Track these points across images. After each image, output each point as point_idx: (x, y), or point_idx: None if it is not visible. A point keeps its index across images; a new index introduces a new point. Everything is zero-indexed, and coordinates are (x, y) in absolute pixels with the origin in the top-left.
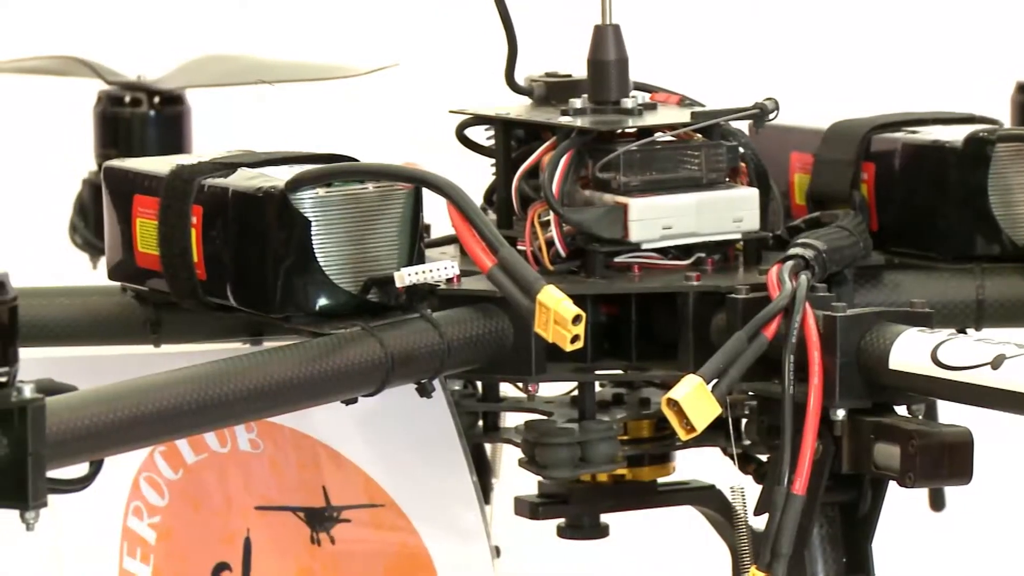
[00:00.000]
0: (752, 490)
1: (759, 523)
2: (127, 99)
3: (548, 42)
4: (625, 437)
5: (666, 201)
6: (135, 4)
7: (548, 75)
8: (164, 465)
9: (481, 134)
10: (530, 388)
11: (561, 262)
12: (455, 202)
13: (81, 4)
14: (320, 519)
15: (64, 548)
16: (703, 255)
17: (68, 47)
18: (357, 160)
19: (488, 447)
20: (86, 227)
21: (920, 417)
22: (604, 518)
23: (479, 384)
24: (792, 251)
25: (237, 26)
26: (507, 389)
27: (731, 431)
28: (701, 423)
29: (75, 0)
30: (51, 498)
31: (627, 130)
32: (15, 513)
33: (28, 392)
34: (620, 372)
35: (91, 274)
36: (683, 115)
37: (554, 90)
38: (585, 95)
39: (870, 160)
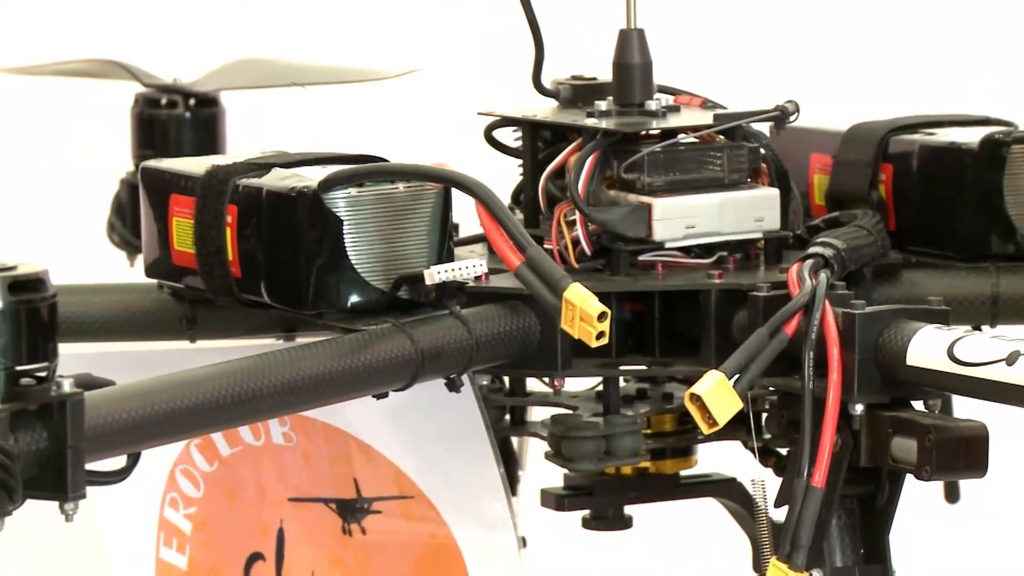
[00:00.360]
0: (772, 483)
1: (779, 515)
2: (163, 101)
3: (574, 46)
4: (648, 431)
5: (689, 201)
6: (171, 8)
7: (574, 78)
8: (200, 457)
9: (509, 135)
10: (556, 383)
11: (586, 260)
12: (484, 202)
13: (119, 9)
14: (351, 510)
15: (104, 538)
16: (725, 254)
17: (106, 51)
18: (387, 161)
19: (515, 440)
20: (123, 226)
21: (936, 412)
22: (628, 510)
23: (506, 379)
24: (812, 250)
25: (269, 30)
26: (533, 384)
27: (752, 425)
28: (723, 417)
29: (113, 5)
30: (90, 490)
31: (651, 132)
32: (55, 504)
33: (67, 387)
34: (644, 368)
35: (128, 272)
36: (706, 117)
37: (580, 93)
38: (610, 97)
39: (888, 161)
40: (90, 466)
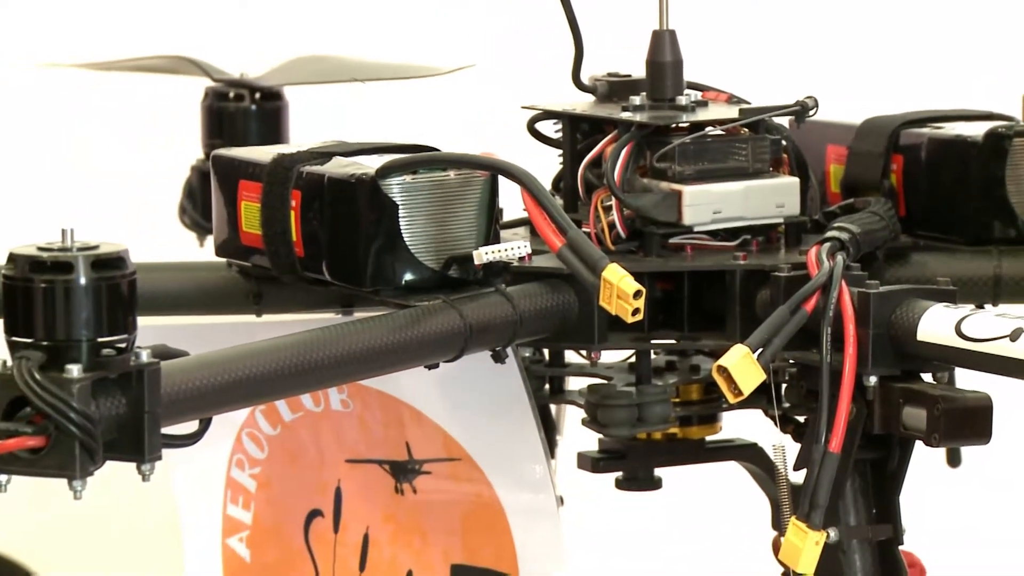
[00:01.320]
0: (791, 448)
1: (798, 478)
2: (231, 95)
3: (611, 45)
4: (677, 400)
5: (716, 188)
6: (239, 8)
7: (610, 75)
8: (264, 422)
9: (550, 128)
10: (593, 355)
11: (621, 243)
12: (528, 188)
13: (191, 8)
14: (404, 471)
15: (177, 496)
16: (749, 237)
17: (179, 47)
18: (439, 150)
19: (554, 408)
20: (194, 209)
21: (944, 383)
22: (657, 472)
23: (547, 351)
24: (829, 234)
25: (330, 29)
26: (571, 356)
27: (773, 395)
28: (748, 388)
29: (185, 4)
30: (164, 452)
31: (681, 125)
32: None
33: (145, 357)
34: (673, 341)
35: (198, 251)
36: (732, 112)
37: (616, 89)
38: (643, 93)
39: (898, 152)
40: (165, 430)
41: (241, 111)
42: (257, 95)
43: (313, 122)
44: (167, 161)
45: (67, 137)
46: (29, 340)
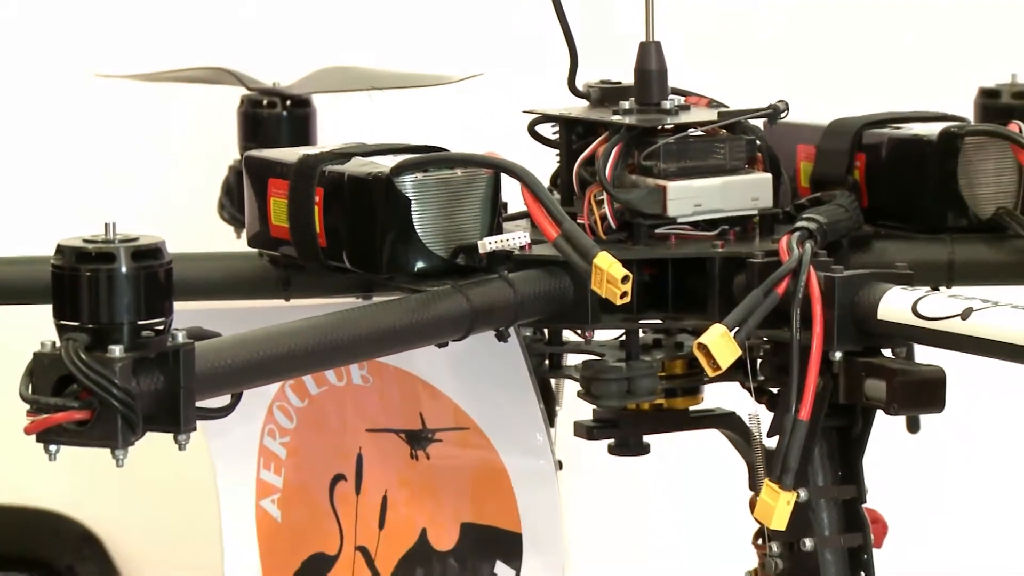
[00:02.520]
0: (765, 417)
1: (771, 443)
2: (264, 102)
3: (603, 55)
4: (663, 374)
5: (697, 184)
6: (272, 23)
7: (602, 82)
8: (293, 396)
9: (548, 130)
10: (586, 334)
11: (612, 233)
12: (527, 184)
13: (228, 23)
14: (418, 439)
15: (214, 463)
16: (726, 227)
17: (218, 59)
18: (448, 151)
19: (553, 381)
20: (231, 204)
21: (902, 358)
22: (646, 439)
23: (545, 331)
24: (799, 224)
25: (353, 42)
26: (568, 335)
27: (749, 369)
28: (725, 363)
29: (223, 20)
30: (202, 423)
31: (666, 127)
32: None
33: (181, 338)
34: (659, 321)
35: (235, 242)
36: (711, 114)
37: (607, 94)
38: (632, 98)
39: (861, 151)
40: (199, 403)
41: (273, 117)
42: (288, 102)
43: (337, 125)
44: (209, 161)
45: (119, 140)
46: (75, 323)
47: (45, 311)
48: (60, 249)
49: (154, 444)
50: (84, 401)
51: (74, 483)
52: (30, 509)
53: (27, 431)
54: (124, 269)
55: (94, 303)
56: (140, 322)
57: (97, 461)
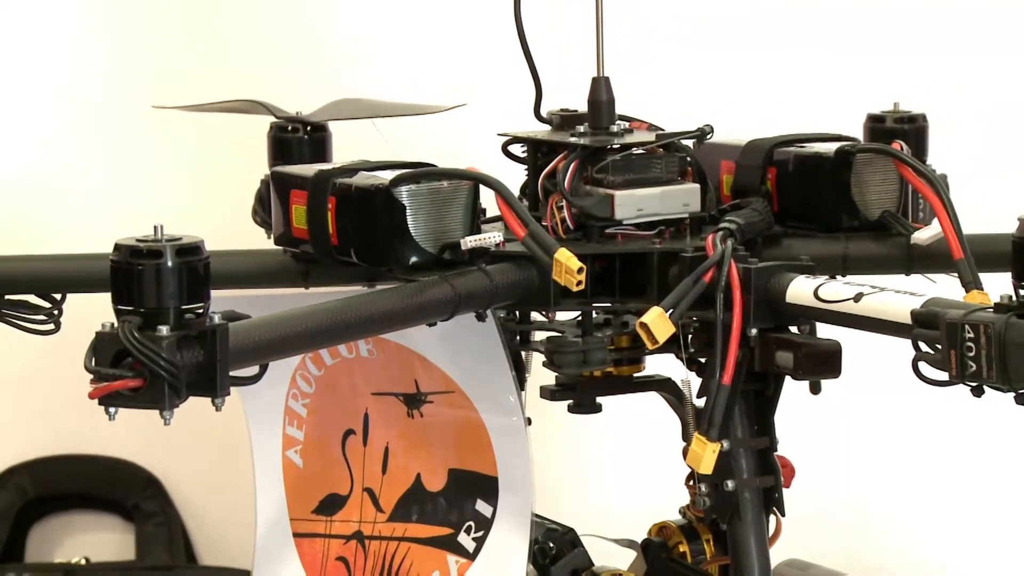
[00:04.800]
0: (695, 382)
1: (700, 403)
2: (289, 128)
3: (562, 88)
4: (612, 347)
5: (639, 192)
6: (296, 64)
7: (562, 111)
8: (311, 366)
9: (518, 149)
10: (550, 315)
11: (570, 233)
12: (501, 193)
13: (261, 63)
14: (413, 401)
15: (248, 421)
16: (663, 228)
17: (251, 93)
18: (436, 166)
19: (523, 353)
20: (263, 211)
21: (806, 334)
22: (598, 400)
23: (517, 312)
24: (722, 225)
25: (363, 77)
26: (535, 316)
27: (682, 343)
28: (662, 338)
29: (257, 60)
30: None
31: (613, 146)
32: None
33: (217, 319)
34: (608, 305)
35: (266, 242)
36: (650, 136)
37: (565, 120)
38: (586, 123)
39: (772, 165)
40: (232, 373)
41: (296, 140)
42: (308, 128)
43: (347, 146)
44: (244, 176)
45: (172, 159)
46: (130, 308)
47: (105, 298)
48: (117, 247)
49: (200, 406)
50: (137, 371)
51: (139, 436)
52: (104, 457)
53: (91, 396)
54: (170, 263)
55: (145, 291)
56: (183, 307)
57: (156, 419)
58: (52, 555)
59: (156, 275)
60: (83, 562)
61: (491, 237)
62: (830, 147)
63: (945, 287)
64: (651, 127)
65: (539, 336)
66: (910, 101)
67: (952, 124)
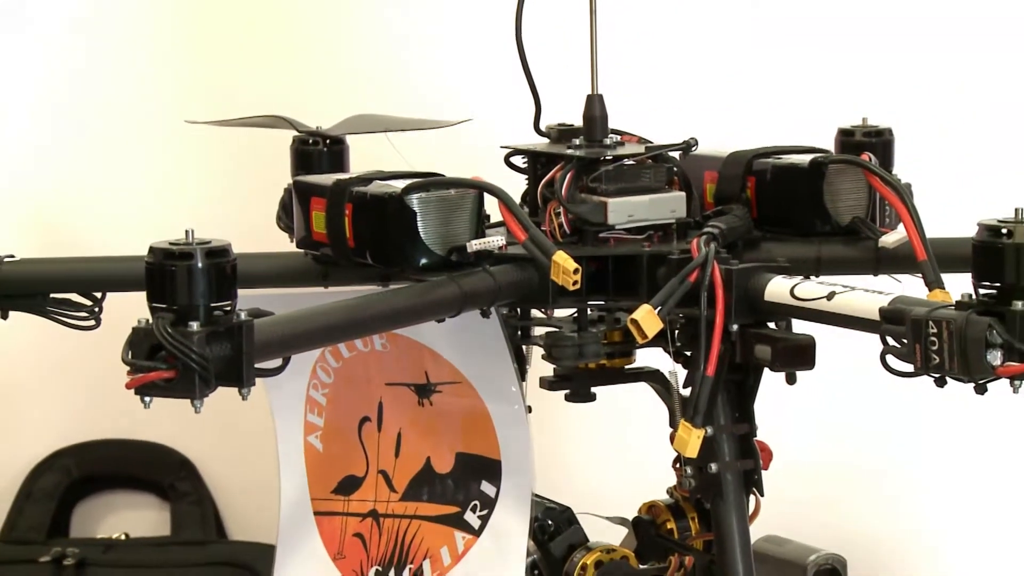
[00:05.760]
0: (682, 373)
1: (686, 392)
2: (310, 141)
3: (560, 104)
4: (605, 341)
5: (630, 199)
6: (317, 82)
7: (560, 125)
8: (330, 358)
9: (519, 160)
10: (548, 312)
11: (567, 237)
12: (503, 201)
13: (284, 82)
14: (424, 390)
15: (273, 409)
16: (652, 232)
17: (275, 109)
18: (444, 176)
19: (524, 347)
20: (286, 217)
21: (783, 329)
22: (593, 389)
23: (518, 309)
24: (705, 230)
25: (377, 93)
26: (535, 312)
27: (669, 337)
28: (651, 333)
29: (281, 78)
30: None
31: (607, 158)
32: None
33: (243, 316)
34: (602, 302)
35: (289, 245)
36: (640, 148)
37: (563, 134)
38: (581, 137)
39: (752, 175)
40: (257, 365)
41: (317, 152)
42: (327, 141)
43: (363, 158)
44: (269, 185)
45: (203, 170)
46: (163, 305)
47: (141, 296)
48: (152, 250)
49: (228, 395)
50: (170, 364)
51: (173, 423)
52: (141, 442)
53: (127, 386)
54: (200, 264)
55: (178, 290)
56: (212, 304)
57: (189, 408)
58: (95, 531)
59: (188, 275)
60: (123, 537)
61: (494, 240)
62: (804, 158)
63: (910, 287)
64: (641, 140)
65: (539, 331)
66: (910, 101)
67: (952, 124)
